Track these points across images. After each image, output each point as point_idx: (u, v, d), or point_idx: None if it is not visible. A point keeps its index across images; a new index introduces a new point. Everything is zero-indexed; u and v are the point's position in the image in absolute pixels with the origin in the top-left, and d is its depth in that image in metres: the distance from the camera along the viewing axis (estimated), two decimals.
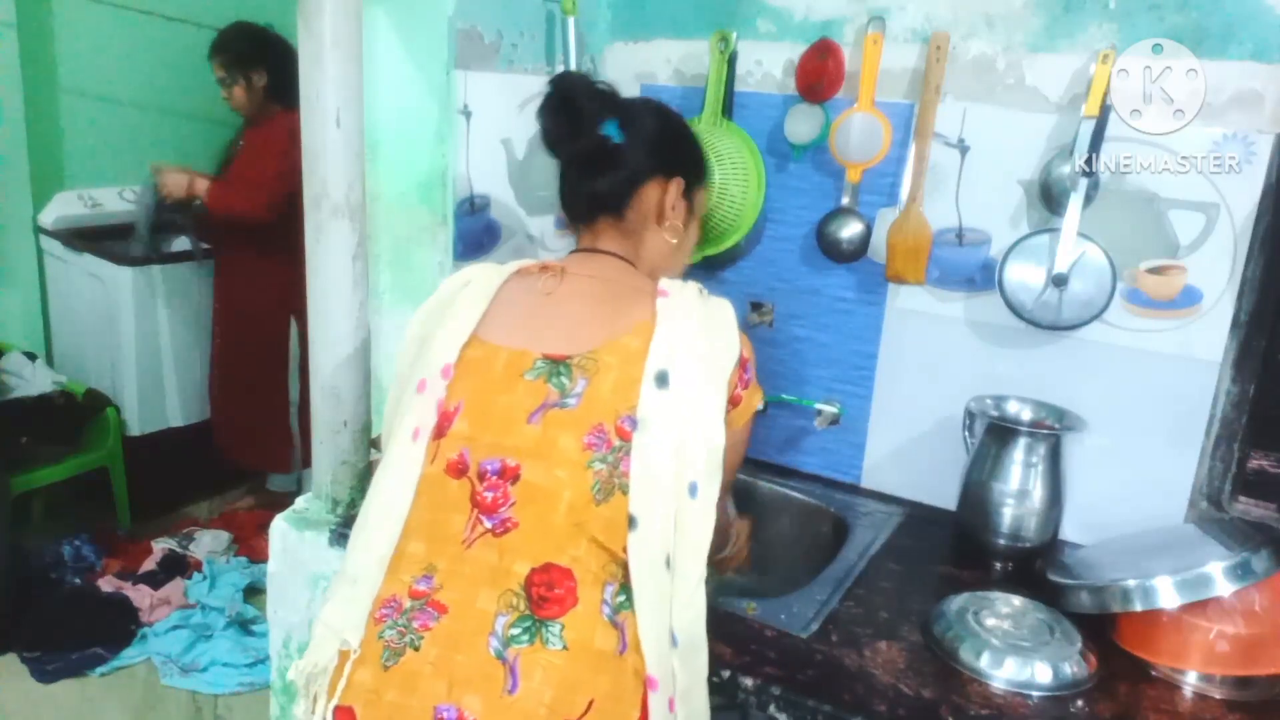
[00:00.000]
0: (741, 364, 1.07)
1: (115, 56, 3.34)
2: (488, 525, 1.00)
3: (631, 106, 1.19)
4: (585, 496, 0.98)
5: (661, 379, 1.00)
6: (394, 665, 0.96)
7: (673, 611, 0.99)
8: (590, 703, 0.93)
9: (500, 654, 0.94)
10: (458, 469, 1.02)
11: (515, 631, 0.95)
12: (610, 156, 1.15)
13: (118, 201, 3.23)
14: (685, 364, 1.02)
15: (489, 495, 1.00)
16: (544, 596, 0.96)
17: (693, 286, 1.10)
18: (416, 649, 0.96)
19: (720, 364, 1.04)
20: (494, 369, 1.05)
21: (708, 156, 1.29)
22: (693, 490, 0.99)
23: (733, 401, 1.07)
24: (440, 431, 1.04)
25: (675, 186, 1.18)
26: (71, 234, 3.03)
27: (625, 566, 0.98)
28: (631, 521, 0.97)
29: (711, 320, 1.07)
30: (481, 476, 1.01)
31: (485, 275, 1.14)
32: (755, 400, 1.12)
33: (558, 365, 1.03)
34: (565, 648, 0.94)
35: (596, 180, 1.16)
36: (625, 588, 0.98)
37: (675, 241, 1.20)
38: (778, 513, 1.63)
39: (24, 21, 3.01)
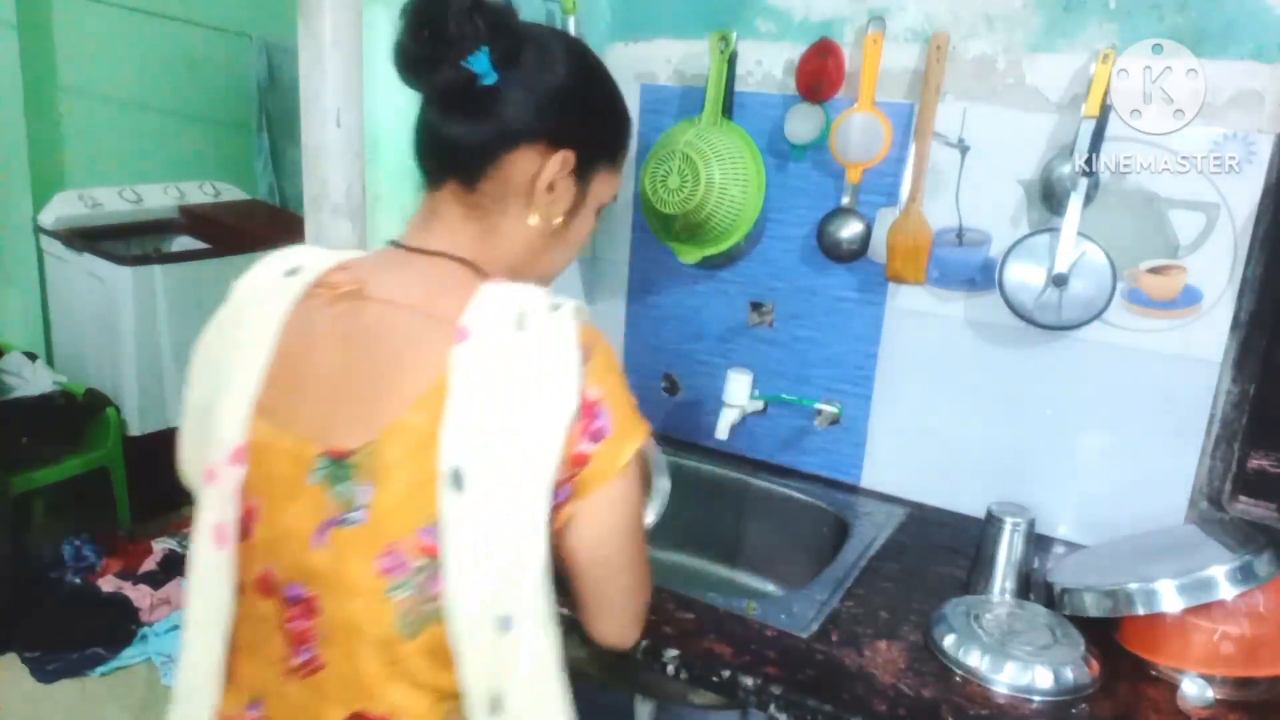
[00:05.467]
0: (585, 410, 0.78)
1: (115, 56, 3.34)
2: (298, 661, 0.84)
3: (527, 37, 0.85)
4: (390, 634, 0.80)
5: (456, 479, 0.76)
6: None
7: None
8: None
9: None
10: (265, 586, 0.86)
11: None
12: (476, 100, 0.83)
13: (118, 201, 3.23)
14: (484, 452, 0.76)
15: (296, 626, 0.84)
16: None
17: (510, 310, 0.80)
18: None
19: (538, 440, 0.77)
20: (279, 465, 0.84)
21: (628, 125, 0.97)
22: (504, 624, 0.78)
23: (574, 462, 0.79)
24: (246, 530, 0.85)
25: (560, 161, 0.86)
26: (71, 234, 3.03)
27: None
28: (455, 655, 0.79)
29: (530, 363, 0.78)
30: (286, 602, 0.84)
31: (274, 292, 0.88)
32: (623, 449, 0.81)
33: (339, 465, 0.81)
34: None
35: (453, 125, 0.85)
36: None
37: (545, 234, 0.90)
38: (778, 513, 1.63)
39: (24, 21, 3.01)
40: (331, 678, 0.83)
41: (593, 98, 0.91)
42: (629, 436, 0.81)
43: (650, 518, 1.25)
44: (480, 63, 0.81)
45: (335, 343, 0.84)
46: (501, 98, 0.84)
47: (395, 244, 0.90)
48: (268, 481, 0.84)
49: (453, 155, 0.87)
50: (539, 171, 0.86)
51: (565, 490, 0.80)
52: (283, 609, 0.85)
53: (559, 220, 0.90)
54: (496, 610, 0.78)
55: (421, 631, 0.80)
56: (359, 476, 0.80)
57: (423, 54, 0.82)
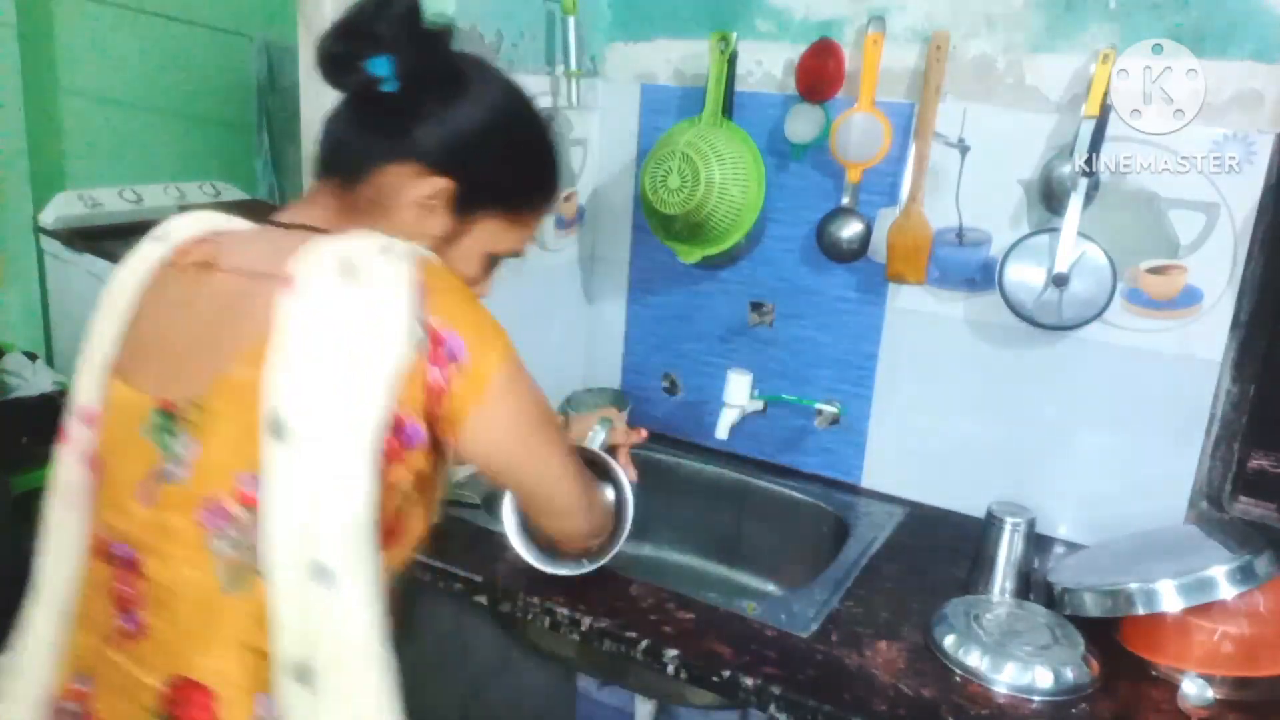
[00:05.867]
0: (433, 341, 0.78)
1: (115, 56, 3.34)
2: (123, 625, 0.83)
3: (460, 65, 0.88)
4: (211, 588, 0.78)
5: (277, 428, 0.75)
6: None
7: None
8: None
9: None
10: (99, 548, 0.86)
11: None
12: (373, 104, 0.85)
13: (118, 201, 3.23)
14: (307, 400, 0.75)
15: (122, 590, 0.83)
16: (177, 717, 0.80)
17: (331, 259, 0.78)
18: None
19: (363, 388, 0.76)
20: (120, 420, 0.85)
21: (540, 186, 0.96)
22: (321, 575, 0.76)
23: (432, 394, 0.79)
24: (95, 492, 0.87)
25: (431, 186, 0.87)
26: (71, 234, 3.03)
27: None
28: (270, 612, 0.77)
29: (357, 309, 0.77)
30: (115, 563, 0.84)
31: (144, 257, 0.90)
32: (484, 366, 0.81)
33: (168, 417, 0.81)
34: None
35: (346, 123, 0.88)
36: None
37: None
38: (778, 513, 1.63)
39: (24, 21, 3.01)
40: (152, 644, 0.82)
41: (502, 143, 0.91)
42: (488, 352, 0.82)
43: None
44: (380, 66, 0.82)
45: (180, 307, 0.86)
46: (398, 109, 0.85)
47: (269, 221, 0.91)
48: (109, 439, 0.86)
49: (338, 151, 0.89)
50: (405, 188, 0.87)
51: (417, 426, 0.79)
52: (113, 571, 0.84)
53: (424, 245, 0.87)
54: (315, 559, 0.76)
55: (243, 586, 0.78)
56: (185, 430, 0.80)
57: (336, 51, 0.84)
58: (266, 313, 0.77)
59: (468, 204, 0.89)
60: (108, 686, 0.84)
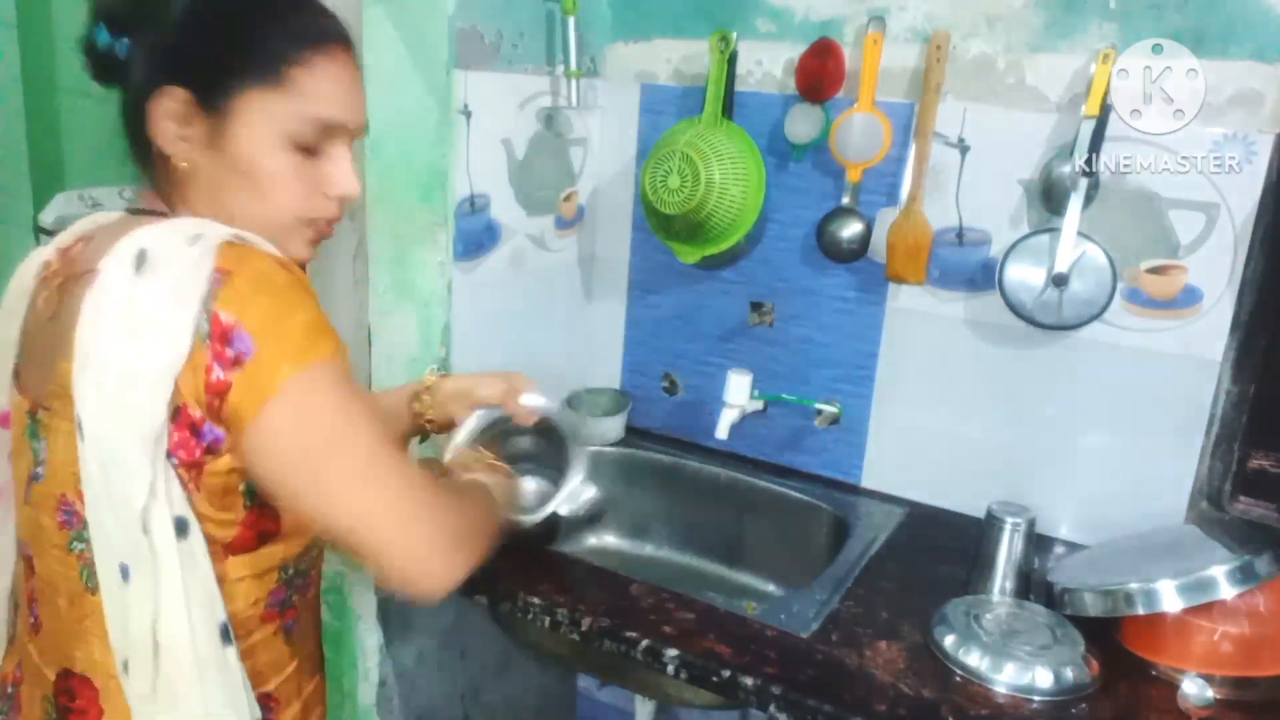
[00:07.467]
0: (218, 335, 0.72)
1: None
2: (31, 620, 0.88)
3: None
4: (78, 587, 0.82)
5: (79, 426, 0.75)
6: None
7: None
8: None
9: None
10: (20, 546, 0.91)
11: None
12: (120, 73, 0.83)
13: (118, 201, 3.21)
14: (94, 396, 0.74)
15: (27, 584, 0.89)
16: (68, 707, 0.84)
17: (131, 251, 0.75)
18: None
19: (138, 382, 0.72)
20: (15, 425, 0.88)
21: (260, 32, 0.81)
22: (124, 574, 0.76)
23: (213, 391, 0.73)
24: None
25: (169, 100, 0.79)
26: None
27: None
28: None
29: (141, 300, 0.73)
30: (24, 559, 0.89)
31: (33, 260, 0.91)
32: (274, 370, 0.73)
33: (34, 419, 0.84)
34: None
35: (121, 108, 0.85)
36: None
37: (213, 178, 0.82)
38: (778, 513, 1.63)
39: (24, 21, 3.01)
40: (45, 637, 0.87)
41: (203, 19, 0.81)
42: (282, 357, 0.74)
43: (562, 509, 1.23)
44: (102, 36, 0.81)
45: (47, 308, 0.86)
46: (130, 61, 0.82)
47: (129, 208, 0.90)
48: (13, 443, 0.90)
49: (129, 143, 0.86)
50: (154, 120, 0.81)
51: (213, 427, 0.75)
52: (23, 567, 0.90)
53: (188, 162, 0.82)
54: (119, 559, 0.76)
55: (98, 584, 0.80)
56: (41, 430, 0.83)
57: (85, 50, 0.84)
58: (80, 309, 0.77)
59: (214, 94, 0.80)
60: (28, 674, 0.90)
